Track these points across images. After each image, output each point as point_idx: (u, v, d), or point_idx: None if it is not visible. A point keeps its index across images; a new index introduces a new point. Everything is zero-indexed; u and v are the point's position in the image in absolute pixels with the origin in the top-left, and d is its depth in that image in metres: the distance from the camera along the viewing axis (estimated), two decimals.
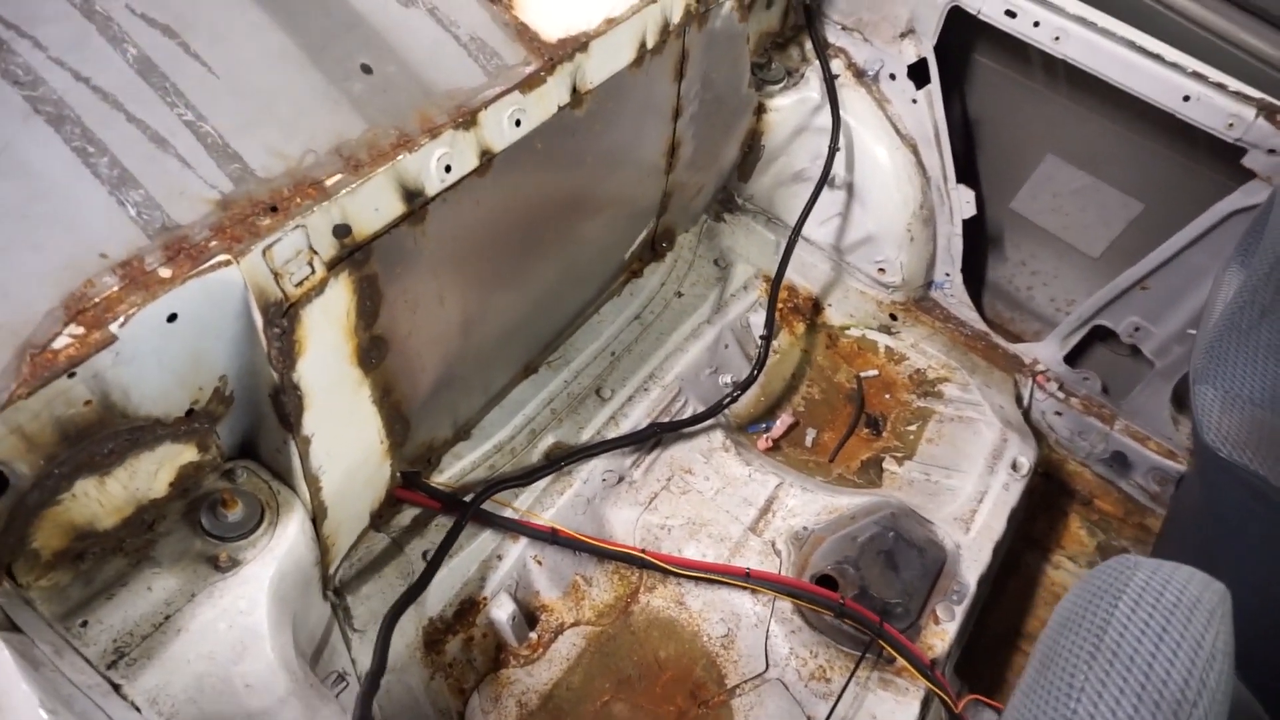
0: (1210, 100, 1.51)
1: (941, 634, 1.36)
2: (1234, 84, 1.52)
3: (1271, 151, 1.48)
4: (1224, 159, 1.55)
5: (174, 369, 0.89)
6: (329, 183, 0.94)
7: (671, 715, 1.33)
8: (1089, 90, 1.64)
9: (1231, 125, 1.50)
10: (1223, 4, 2.46)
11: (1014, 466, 1.63)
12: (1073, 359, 1.92)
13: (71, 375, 0.77)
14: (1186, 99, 1.52)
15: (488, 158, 1.10)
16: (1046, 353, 1.91)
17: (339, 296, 0.99)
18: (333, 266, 0.96)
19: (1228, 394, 1.13)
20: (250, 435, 1.05)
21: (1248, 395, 1.11)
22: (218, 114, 0.93)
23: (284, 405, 0.98)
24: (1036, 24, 1.60)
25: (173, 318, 0.84)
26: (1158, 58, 1.54)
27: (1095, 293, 1.80)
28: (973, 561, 1.45)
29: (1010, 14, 1.62)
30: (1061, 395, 1.90)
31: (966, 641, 1.49)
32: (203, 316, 0.87)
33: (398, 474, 1.29)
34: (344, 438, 1.11)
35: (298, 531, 1.01)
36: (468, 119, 1.06)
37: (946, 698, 1.31)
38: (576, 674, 1.35)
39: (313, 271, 0.94)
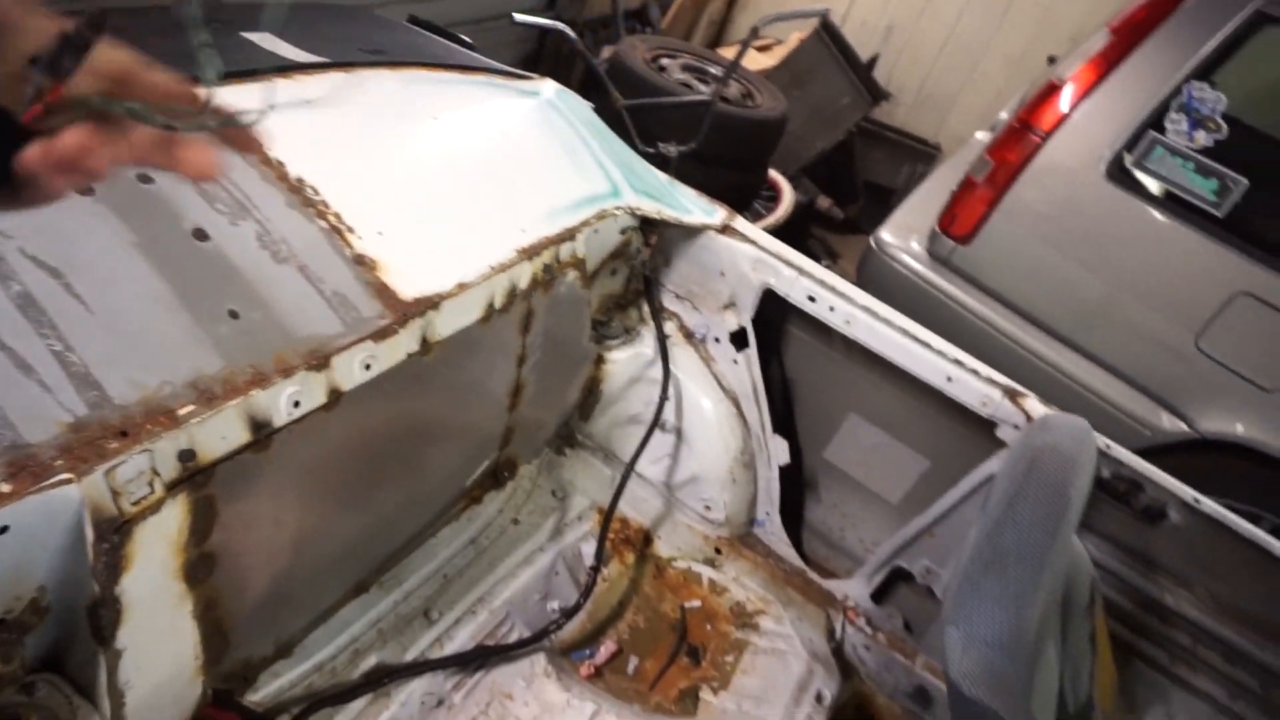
0: (967, 382, 1.82)
1: None
2: (985, 370, 1.85)
3: (1016, 427, 1.79)
4: (985, 429, 1.85)
5: None
6: (181, 412, 1.05)
7: None
8: (880, 363, 1.95)
9: (985, 404, 1.82)
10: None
11: (818, 698, 1.75)
12: (880, 596, 2.11)
13: None
14: (949, 379, 1.84)
15: (336, 396, 1.24)
16: (856, 589, 2.10)
17: (174, 515, 1.07)
18: (172, 488, 1.05)
19: (968, 636, 1.31)
20: (58, 647, 1.07)
21: (982, 638, 1.29)
22: (85, 347, 1.04)
23: (100, 618, 1.02)
24: (832, 309, 1.93)
25: (3, 529, 0.90)
26: (926, 344, 1.86)
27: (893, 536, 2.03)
28: None
29: (811, 299, 1.94)
30: (869, 630, 2.07)
31: None
32: (34, 529, 0.93)
33: (209, 691, 1.30)
34: (157, 652, 1.14)
35: None
36: (320, 362, 1.20)
37: None
38: None
39: (152, 492, 1.02)
